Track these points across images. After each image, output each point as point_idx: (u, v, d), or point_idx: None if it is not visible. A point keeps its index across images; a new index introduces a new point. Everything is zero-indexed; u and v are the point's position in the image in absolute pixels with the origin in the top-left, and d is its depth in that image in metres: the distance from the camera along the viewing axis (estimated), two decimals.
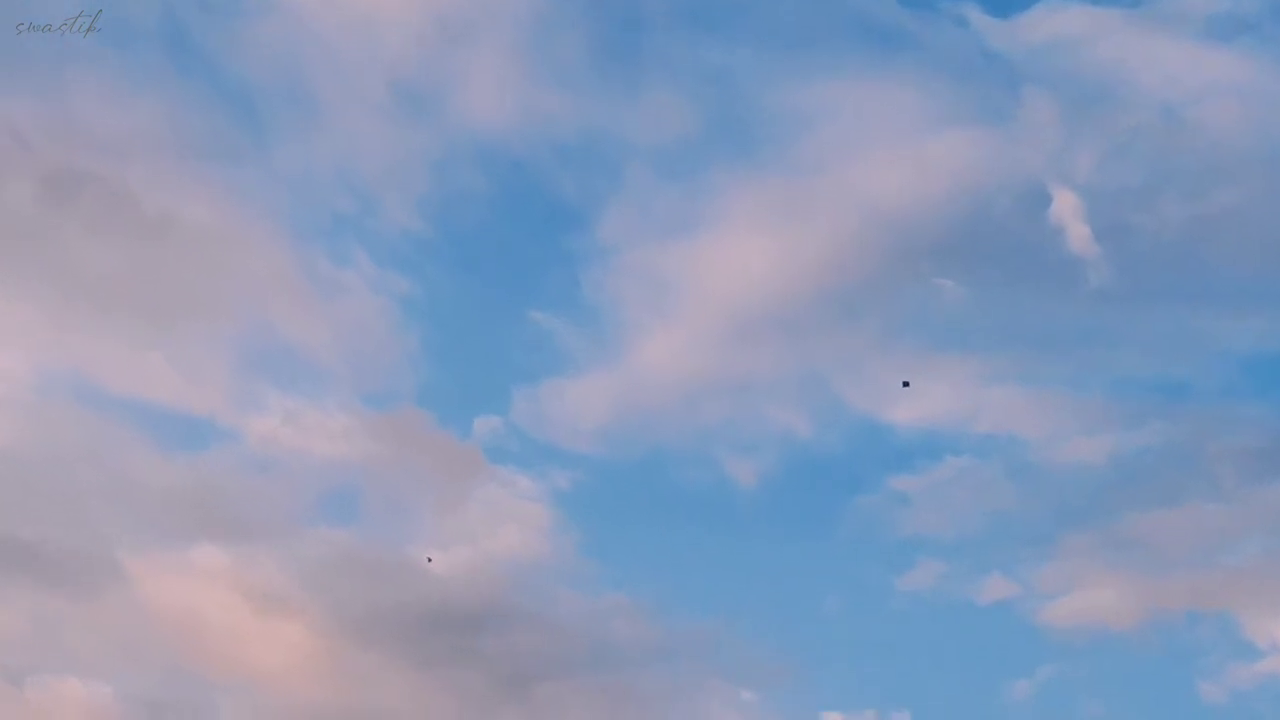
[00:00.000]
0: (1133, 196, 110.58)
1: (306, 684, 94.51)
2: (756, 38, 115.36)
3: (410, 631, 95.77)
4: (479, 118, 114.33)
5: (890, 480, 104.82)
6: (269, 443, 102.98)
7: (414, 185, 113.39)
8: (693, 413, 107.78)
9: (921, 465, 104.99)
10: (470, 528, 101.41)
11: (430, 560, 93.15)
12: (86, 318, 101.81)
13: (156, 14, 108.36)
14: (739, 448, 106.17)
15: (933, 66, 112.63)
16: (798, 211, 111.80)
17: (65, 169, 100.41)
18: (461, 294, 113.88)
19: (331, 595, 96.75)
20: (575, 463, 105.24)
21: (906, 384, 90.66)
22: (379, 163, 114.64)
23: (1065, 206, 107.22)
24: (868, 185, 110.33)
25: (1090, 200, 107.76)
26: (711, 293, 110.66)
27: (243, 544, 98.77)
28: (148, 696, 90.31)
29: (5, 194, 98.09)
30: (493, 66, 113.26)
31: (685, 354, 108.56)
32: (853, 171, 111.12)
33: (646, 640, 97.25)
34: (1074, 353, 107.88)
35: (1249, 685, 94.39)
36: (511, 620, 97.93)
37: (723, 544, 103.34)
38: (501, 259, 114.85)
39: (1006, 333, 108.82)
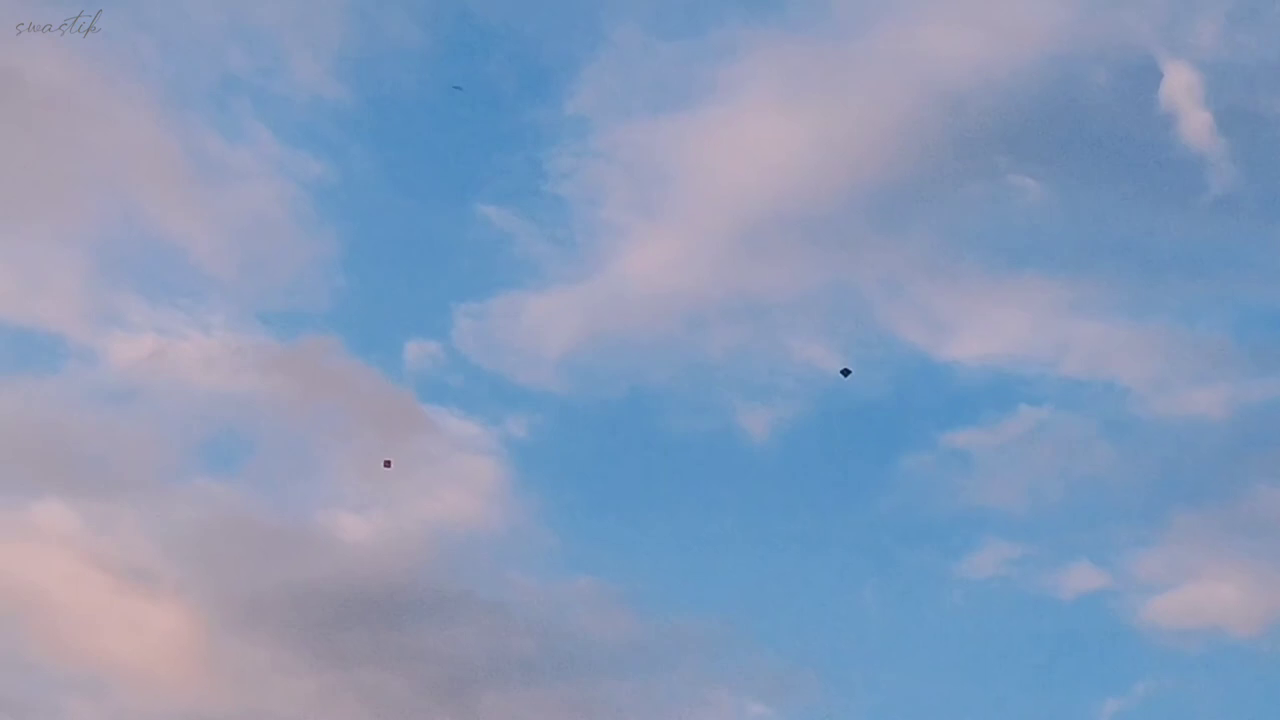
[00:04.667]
0: (1268, 74, 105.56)
1: (178, 682, 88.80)
2: None
3: (316, 620, 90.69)
4: None
5: (947, 436, 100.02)
6: (134, 370, 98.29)
7: (328, 36, 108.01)
8: (690, 342, 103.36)
9: (988, 417, 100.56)
10: (397, 488, 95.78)
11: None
12: None
13: None
14: (750, 390, 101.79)
15: None
16: (832, 83, 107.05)
17: None
18: (389, 181, 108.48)
19: (212, 570, 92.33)
20: (535, 404, 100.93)
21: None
22: (283, 7, 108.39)
23: (1180, 85, 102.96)
24: (923, 51, 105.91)
25: (1212, 79, 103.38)
26: (717, 186, 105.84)
27: (97, 500, 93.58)
28: None
29: None
30: None
31: (681, 265, 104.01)
32: (904, 33, 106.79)
33: (625, 638, 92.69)
34: (1189, 277, 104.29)
35: None
36: (449, 608, 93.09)
37: (727, 515, 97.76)
38: (442, 136, 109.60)
39: (1102, 249, 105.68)
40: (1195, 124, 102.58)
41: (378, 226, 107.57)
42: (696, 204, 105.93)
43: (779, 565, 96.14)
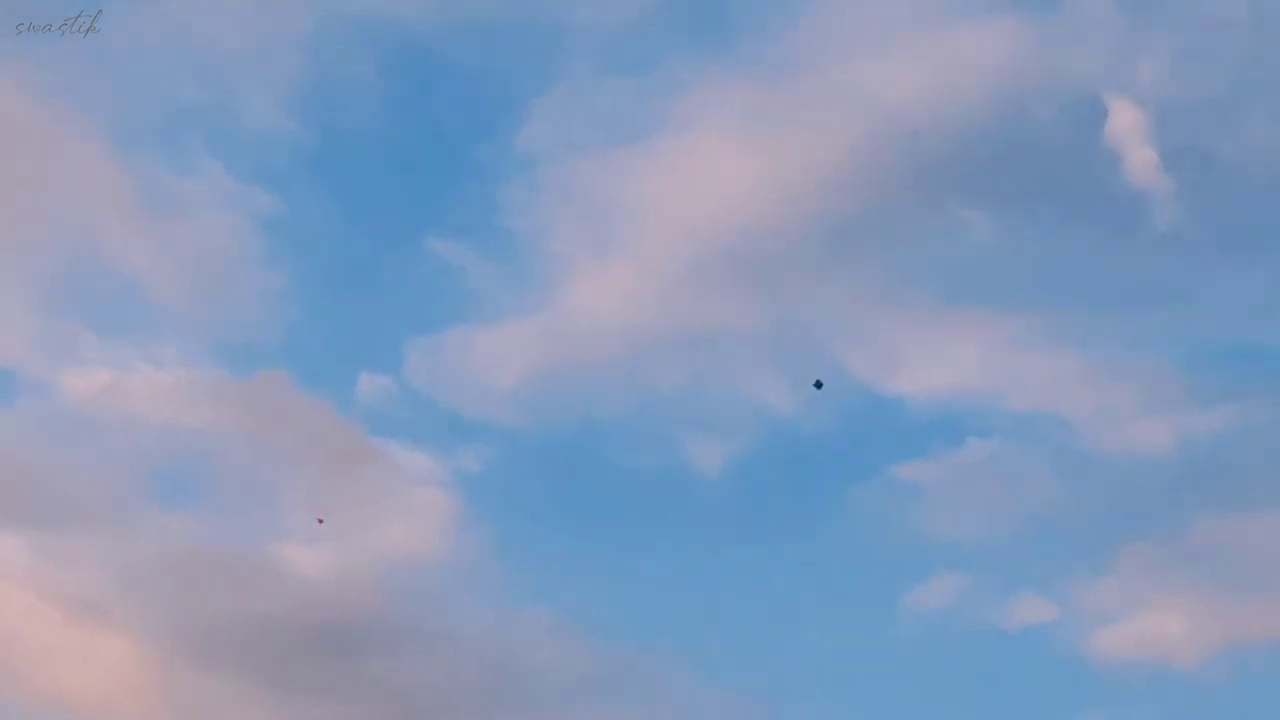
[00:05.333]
0: (1211, 112, 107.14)
1: (130, 715, 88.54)
2: None
3: (269, 651, 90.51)
4: None
5: (897, 468, 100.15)
6: (87, 403, 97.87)
7: (281, 72, 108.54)
8: (640, 376, 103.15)
9: (937, 450, 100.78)
10: (350, 520, 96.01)
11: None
12: None
13: None
14: (700, 424, 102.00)
15: None
16: (782, 119, 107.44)
17: None
18: (342, 215, 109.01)
19: (165, 603, 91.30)
20: (486, 436, 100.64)
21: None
22: (236, 42, 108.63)
23: (1125, 123, 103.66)
24: (874, 87, 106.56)
25: (1157, 115, 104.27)
26: (667, 220, 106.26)
27: (50, 533, 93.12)
28: None
29: None
30: None
31: (631, 299, 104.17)
32: (855, 69, 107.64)
33: (575, 669, 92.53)
34: (1135, 311, 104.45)
35: None
36: (400, 640, 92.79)
37: (677, 548, 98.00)
38: (395, 171, 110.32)
39: (1049, 283, 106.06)
40: (1140, 161, 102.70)
41: (330, 261, 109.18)
42: (647, 238, 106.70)
43: (728, 597, 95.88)
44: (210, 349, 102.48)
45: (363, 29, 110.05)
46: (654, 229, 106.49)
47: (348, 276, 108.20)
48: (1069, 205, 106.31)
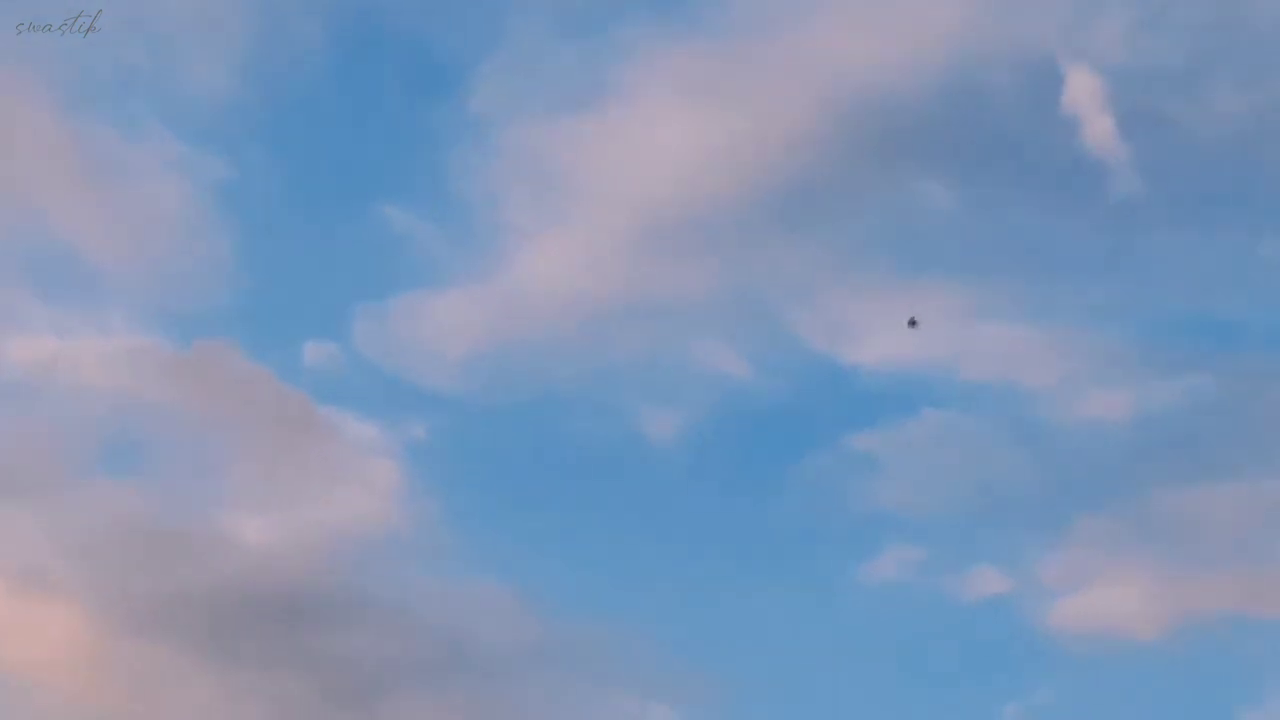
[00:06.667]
0: (1169, 80, 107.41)
1: (74, 687, 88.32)
2: None
3: (215, 622, 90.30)
4: None
5: (851, 438, 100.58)
6: (30, 371, 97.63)
7: (228, 35, 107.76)
8: (593, 344, 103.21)
9: (892, 419, 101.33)
10: (296, 489, 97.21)
11: None
12: None
13: None
14: (654, 393, 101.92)
15: None
16: (735, 85, 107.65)
17: None
18: (289, 181, 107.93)
19: (109, 573, 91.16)
20: (435, 406, 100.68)
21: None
22: (182, 4, 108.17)
23: (1082, 90, 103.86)
24: (827, 54, 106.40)
25: (1114, 83, 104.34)
26: (619, 187, 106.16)
27: None
28: None
29: None
30: None
31: (583, 266, 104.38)
32: (808, 35, 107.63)
33: (526, 640, 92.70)
34: (1092, 280, 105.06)
35: None
36: (349, 611, 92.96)
37: (631, 518, 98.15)
38: (342, 134, 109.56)
39: (1005, 253, 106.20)
40: (1097, 128, 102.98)
41: (276, 227, 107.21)
42: (599, 205, 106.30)
43: (681, 567, 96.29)
44: (155, 316, 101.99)
45: None
46: (606, 196, 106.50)
47: (295, 243, 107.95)
48: (1025, 173, 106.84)
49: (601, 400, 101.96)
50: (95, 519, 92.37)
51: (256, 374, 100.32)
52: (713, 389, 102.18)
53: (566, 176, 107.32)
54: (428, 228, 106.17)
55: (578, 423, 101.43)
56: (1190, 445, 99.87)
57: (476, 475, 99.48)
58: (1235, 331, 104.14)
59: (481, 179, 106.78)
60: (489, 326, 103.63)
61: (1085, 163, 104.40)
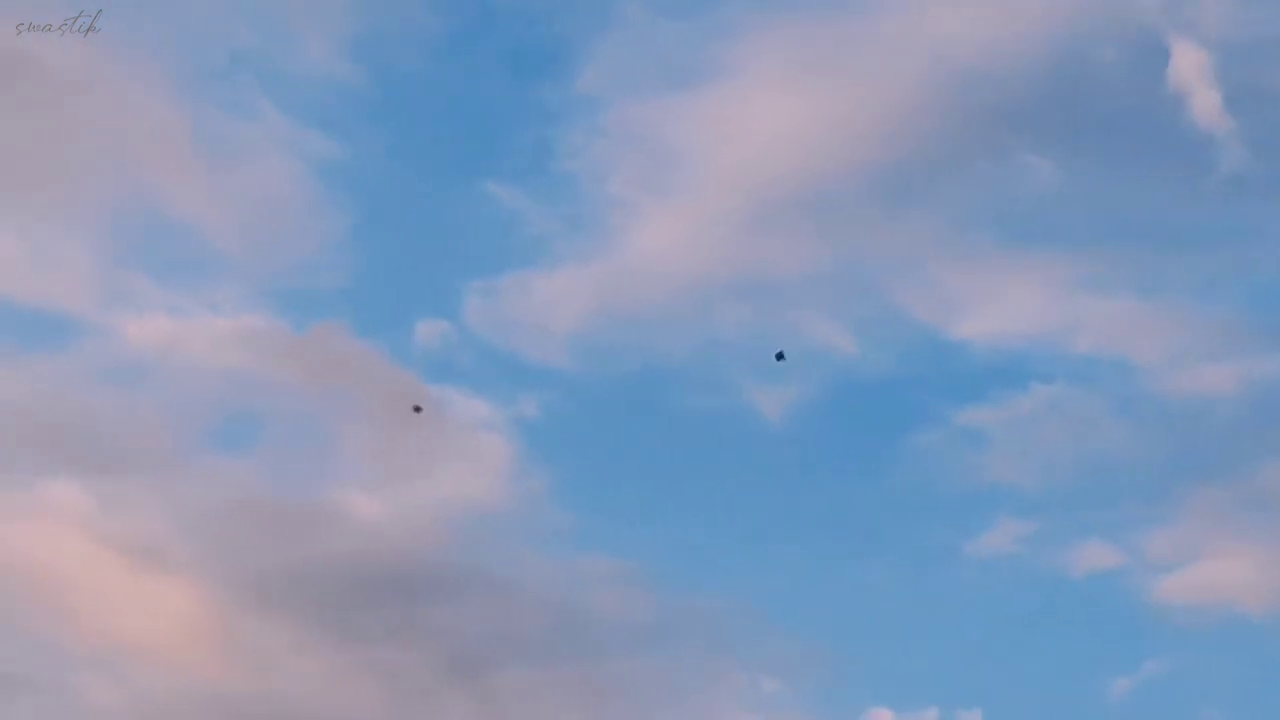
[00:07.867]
0: (1277, 53, 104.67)
1: (192, 661, 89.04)
2: None
3: (329, 597, 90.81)
4: None
5: (959, 414, 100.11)
6: (145, 350, 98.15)
7: (337, 14, 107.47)
8: (701, 320, 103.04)
9: (1000, 395, 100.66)
10: (408, 466, 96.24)
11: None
12: None
13: None
14: (762, 368, 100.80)
15: None
16: (840, 61, 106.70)
17: None
18: (398, 160, 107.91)
19: (224, 549, 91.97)
20: (545, 381, 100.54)
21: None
22: None
23: (1188, 64, 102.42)
24: (932, 29, 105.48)
25: (1221, 56, 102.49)
26: (726, 164, 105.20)
27: (109, 479, 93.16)
28: None
29: None
30: None
31: (690, 243, 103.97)
32: (913, 10, 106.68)
33: (637, 616, 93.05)
34: (1200, 254, 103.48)
35: None
36: (460, 587, 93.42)
37: (739, 493, 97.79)
38: (451, 114, 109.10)
39: (1113, 226, 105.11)
40: (1204, 102, 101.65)
41: (387, 206, 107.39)
42: (706, 182, 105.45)
43: (791, 543, 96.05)
44: (268, 295, 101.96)
45: None
46: (712, 173, 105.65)
47: (405, 221, 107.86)
48: (1130, 148, 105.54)
49: (709, 375, 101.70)
50: (211, 495, 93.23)
51: (369, 351, 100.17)
52: (820, 364, 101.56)
53: (673, 154, 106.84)
54: (537, 206, 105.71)
55: (686, 399, 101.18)
56: None
57: (585, 451, 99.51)
58: None
59: (589, 157, 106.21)
60: (598, 303, 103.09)
61: (1192, 137, 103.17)
